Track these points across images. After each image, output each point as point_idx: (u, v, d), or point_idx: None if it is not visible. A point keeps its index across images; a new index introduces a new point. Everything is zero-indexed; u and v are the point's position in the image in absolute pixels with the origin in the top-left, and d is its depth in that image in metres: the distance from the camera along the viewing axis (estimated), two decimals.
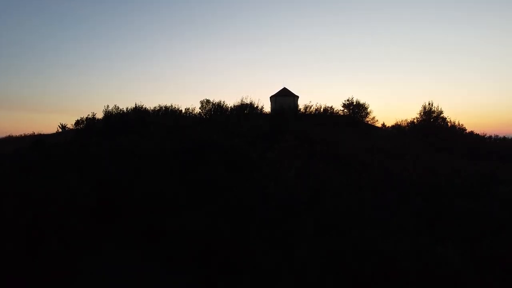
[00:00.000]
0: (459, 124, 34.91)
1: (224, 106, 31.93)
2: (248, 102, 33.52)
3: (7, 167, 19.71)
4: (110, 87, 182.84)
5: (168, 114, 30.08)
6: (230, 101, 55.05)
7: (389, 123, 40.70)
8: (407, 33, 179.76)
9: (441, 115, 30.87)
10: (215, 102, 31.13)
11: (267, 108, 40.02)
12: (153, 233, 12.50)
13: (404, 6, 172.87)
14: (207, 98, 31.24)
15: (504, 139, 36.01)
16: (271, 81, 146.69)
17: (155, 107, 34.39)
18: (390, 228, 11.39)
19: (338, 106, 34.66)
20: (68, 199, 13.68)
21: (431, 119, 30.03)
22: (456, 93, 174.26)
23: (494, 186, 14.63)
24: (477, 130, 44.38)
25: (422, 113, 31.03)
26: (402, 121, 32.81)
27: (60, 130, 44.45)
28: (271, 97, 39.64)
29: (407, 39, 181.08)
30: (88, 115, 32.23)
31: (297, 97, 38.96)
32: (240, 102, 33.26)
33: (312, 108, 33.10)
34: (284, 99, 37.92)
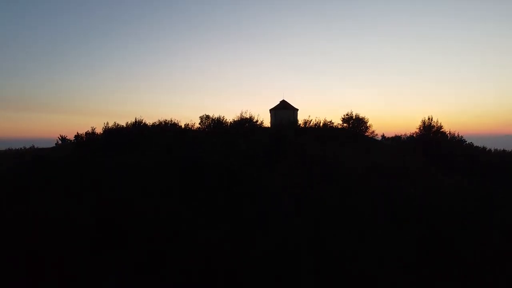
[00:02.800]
0: (458, 136, 35.04)
1: (223, 121, 31.99)
2: (248, 116, 33.61)
3: (6, 188, 19.66)
4: (112, 92, 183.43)
5: (167, 130, 30.10)
6: (230, 114, 55.11)
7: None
8: (406, 36, 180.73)
9: (441, 130, 30.99)
10: (215, 118, 31.26)
11: (267, 119, 40.36)
12: (153, 261, 12.44)
13: (403, 14, 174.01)
14: (207, 114, 31.39)
15: (504, 152, 35.99)
16: (271, 93, 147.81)
17: (154, 122, 34.45)
18: (390, 260, 11.37)
19: (337, 119, 34.76)
20: (67, 226, 13.66)
21: (430, 134, 30.09)
22: (456, 92, 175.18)
23: (494, 213, 14.61)
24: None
25: (421, 128, 31.15)
26: (402, 135, 32.96)
27: (60, 142, 44.44)
28: (270, 110, 39.77)
29: (406, 41, 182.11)
30: (88, 131, 32.21)
31: (297, 110, 39.12)
32: (240, 116, 33.35)
33: (311, 122, 33.18)
34: (284, 112, 38.10)
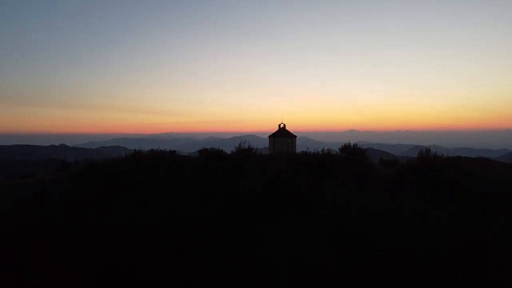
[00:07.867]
0: (455, 161, 35.26)
1: (221, 153, 32.20)
2: (246, 146, 33.86)
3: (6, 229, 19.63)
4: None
5: (164, 164, 30.28)
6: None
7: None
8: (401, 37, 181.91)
9: (438, 162, 31.13)
10: (213, 151, 31.46)
11: (266, 138, 40.94)
12: None
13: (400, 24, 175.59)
14: (205, 147, 31.60)
15: (503, 180, 35.96)
16: (270, 116, 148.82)
17: (151, 149, 34.77)
18: None
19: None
20: None
21: (428, 166, 30.15)
22: (457, 86, 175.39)
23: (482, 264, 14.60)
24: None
25: (420, 159, 31.29)
26: (401, 165, 33.18)
27: (60, 166, 44.73)
28: (269, 137, 40.19)
29: (409, 37, 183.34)
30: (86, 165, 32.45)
31: (295, 137, 39.54)
32: (238, 147, 33.61)
33: (309, 154, 33.42)
34: (282, 140, 38.49)
